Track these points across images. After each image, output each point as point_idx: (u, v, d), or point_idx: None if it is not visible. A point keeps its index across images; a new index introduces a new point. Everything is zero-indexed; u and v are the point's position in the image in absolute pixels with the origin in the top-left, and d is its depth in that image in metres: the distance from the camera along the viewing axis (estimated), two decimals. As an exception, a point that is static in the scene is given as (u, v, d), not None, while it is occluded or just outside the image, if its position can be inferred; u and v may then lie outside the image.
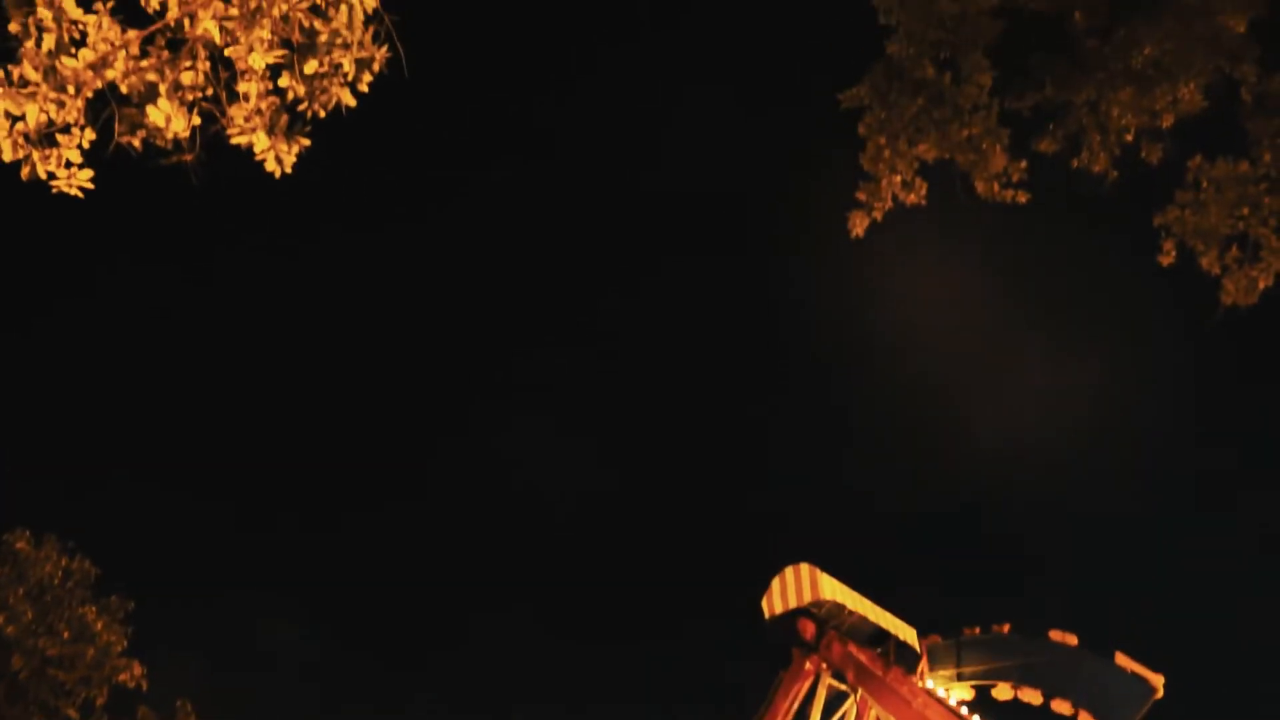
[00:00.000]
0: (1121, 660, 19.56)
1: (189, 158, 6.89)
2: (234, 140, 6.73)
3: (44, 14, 6.22)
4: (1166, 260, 10.76)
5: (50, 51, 6.27)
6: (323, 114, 6.71)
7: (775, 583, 20.10)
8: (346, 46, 6.53)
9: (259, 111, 6.64)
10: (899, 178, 10.67)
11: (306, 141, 6.76)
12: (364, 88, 6.69)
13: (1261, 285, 10.56)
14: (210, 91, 6.71)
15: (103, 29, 6.32)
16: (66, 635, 20.89)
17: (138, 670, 21.27)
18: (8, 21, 6.36)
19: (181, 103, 6.62)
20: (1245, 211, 10.41)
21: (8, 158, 6.46)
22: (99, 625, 21.16)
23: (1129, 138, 10.74)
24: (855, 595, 20.26)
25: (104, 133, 6.66)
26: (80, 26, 6.31)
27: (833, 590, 19.91)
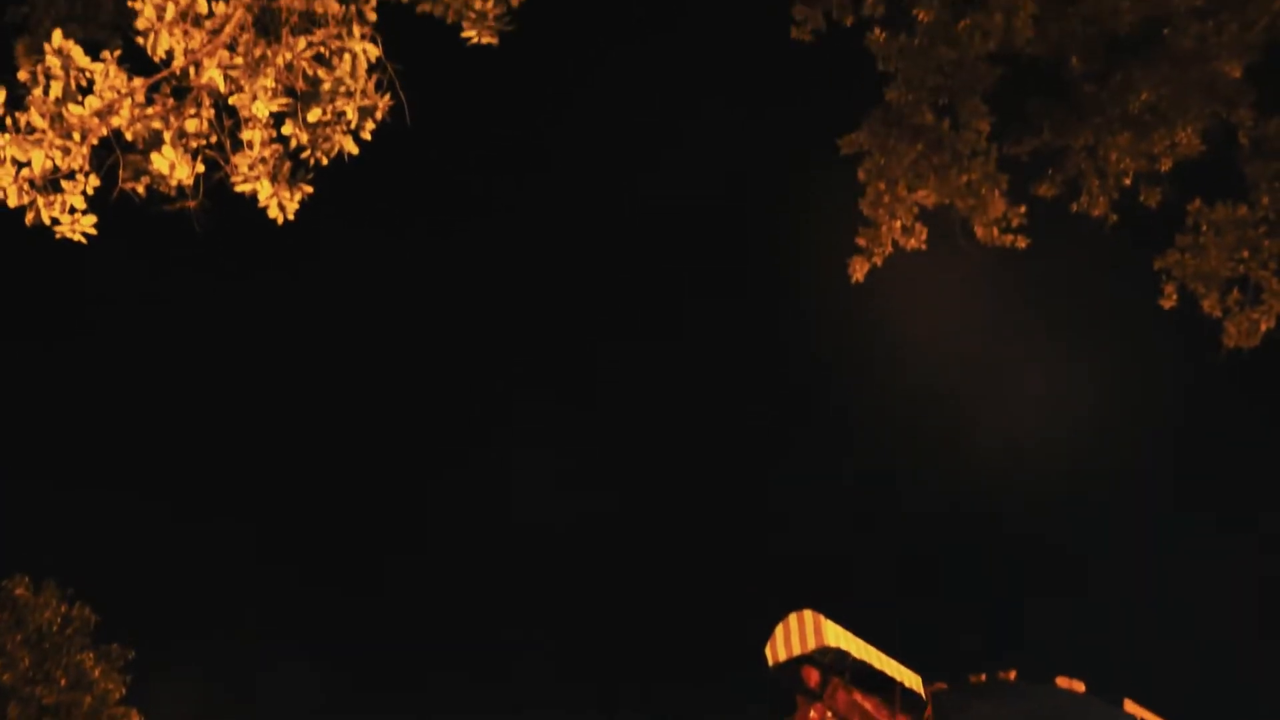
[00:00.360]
0: (1130, 707, 19.30)
1: (192, 204, 6.94)
2: (238, 188, 6.79)
3: (52, 62, 6.29)
4: (1168, 303, 10.79)
5: (57, 99, 6.33)
6: (325, 161, 6.77)
7: (778, 629, 19.88)
8: (350, 94, 6.59)
9: (263, 159, 6.69)
10: (899, 223, 10.72)
11: (309, 189, 6.82)
12: (366, 135, 6.76)
13: (1263, 327, 10.58)
14: (214, 139, 6.77)
15: (109, 77, 6.39)
16: (64, 683, 20.73)
17: (135, 719, 21.10)
18: (17, 70, 6.43)
19: (186, 150, 6.68)
20: (1245, 254, 10.44)
21: (13, 203, 6.50)
22: (97, 673, 21.01)
23: (1127, 181, 10.79)
24: (860, 642, 20.06)
25: (108, 179, 6.72)
26: (87, 74, 6.37)
27: (837, 637, 19.71)
